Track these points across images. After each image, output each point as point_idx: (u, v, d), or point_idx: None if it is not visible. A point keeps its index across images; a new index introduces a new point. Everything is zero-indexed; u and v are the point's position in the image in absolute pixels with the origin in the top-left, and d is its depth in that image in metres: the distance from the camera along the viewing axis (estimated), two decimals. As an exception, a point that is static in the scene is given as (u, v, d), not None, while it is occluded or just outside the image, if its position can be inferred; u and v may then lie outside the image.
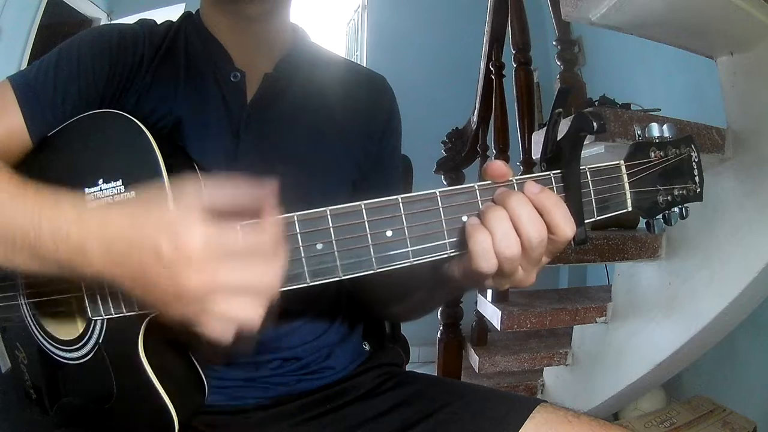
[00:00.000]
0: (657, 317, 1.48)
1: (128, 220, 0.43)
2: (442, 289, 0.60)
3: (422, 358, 2.65)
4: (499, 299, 1.61)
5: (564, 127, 0.49)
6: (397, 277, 0.48)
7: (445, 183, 2.00)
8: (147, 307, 0.49)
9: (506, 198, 0.46)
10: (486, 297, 1.66)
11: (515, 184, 0.48)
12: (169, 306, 0.42)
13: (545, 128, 0.52)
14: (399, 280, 0.61)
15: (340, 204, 0.47)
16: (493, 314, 1.60)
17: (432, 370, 1.98)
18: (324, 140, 0.71)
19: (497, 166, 0.48)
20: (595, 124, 0.46)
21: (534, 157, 1.54)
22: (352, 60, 0.90)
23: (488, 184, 0.48)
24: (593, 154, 1.21)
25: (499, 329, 1.59)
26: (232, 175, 0.43)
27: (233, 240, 0.41)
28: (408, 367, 0.86)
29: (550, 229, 0.46)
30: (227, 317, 0.41)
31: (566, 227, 0.46)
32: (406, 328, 0.94)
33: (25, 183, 0.50)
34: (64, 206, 0.46)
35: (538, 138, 1.51)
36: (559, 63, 1.65)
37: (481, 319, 1.80)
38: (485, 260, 0.45)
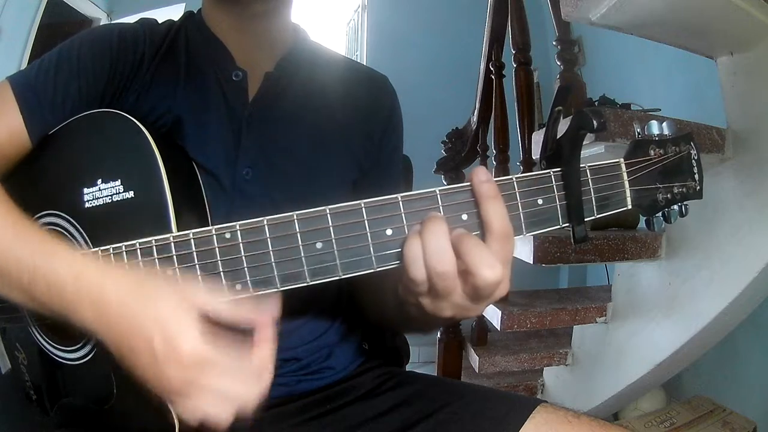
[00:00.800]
0: (657, 317, 1.48)
1: (125, 302, 0.44)
2: (405, 311, 0.55)
3: (422, 358, 2.65)
4: (499, 299, 1.61)
5: (564, 125, 0.49)
6: (376, 287, 0.48)
7: (445, 183, 2.00)
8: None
9: (426, 222, 0.44)
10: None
11: (515, 183, 0.47)
12: (147, 377, 0.45)
13: (545, 127, 0.52)
14: (378, 291, 0.62)
15: (340, 201, 0.47)
16: (493, 314, 1.60)
17: (432, 370, 1.98)
18: (325, 139, 0.71)
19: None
20: (595, 122, 0.46)
21: (534, 157, 1.53)
22: (353, 59, 0.90)
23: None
24: (593, 154, 1.21)
25: (499, 329, 1.59)
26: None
27: (223, 357, 0.43)
28: (408, 367, 0.86)
29: (468, 272, 0.43)
30: (197, 410, 0.44)
31: (485, 269, 0.43)
32: (407, 328, 0.94)
33: (21, 222, 0.51)
34: (59, 262, 0.47)
35: (538, 138, 1.51)
36: (559, 63, 1.64)
37: (481, 319, 1.80)
38: (415, 269, 0.44)
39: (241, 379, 0.44)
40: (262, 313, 0.45)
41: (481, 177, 0.45)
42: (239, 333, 0.45)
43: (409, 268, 0.45)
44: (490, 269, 0.43)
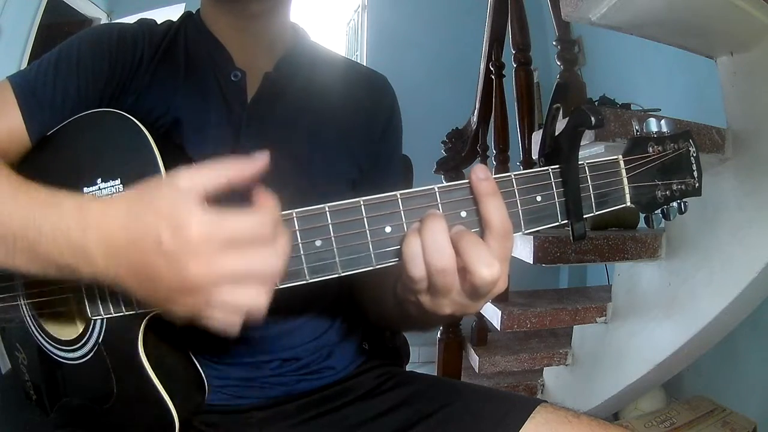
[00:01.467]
0: (657, 317, 1.48)
1: (125, 212, 0.42)
2: (404, 309, 0.56)
3: (422, 358, 2.65)
4: (499, 299, 1.61)
5: (563, 123, 0.49)
6: (376, 286, 0.48)
7: (444, 183, 2.00)
8: (150, 306, 0.48)
9: (425, 220, 0.44)
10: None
11: (514, 180, 0.47)
12: (173, 301, 0.42)
13: (544, 124, 0.52)
14: (377, 289, 0.62)
15: (340, 200, 0.47)
16: (493, 314, 1.59)
17: (432, 370, 1.98)
18: (324, 139, 0.71)
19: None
20: (593, 118, 0.46)
21: (534, 157, 1.53)
22: (353, 59, 0.90)
23: None
24: (593, 153, 1.21)
25: (499, 329, 1.59)
26: (230, 156, 0.43)
27: (233, 225, 0.40)
28: (408, 367, 0.86)
29: (466, 270, 0.43)
30: (232, 307, 0.41)
31: (482, 268, 0.42)
32: (406, 328, 0.94)
33: (25, 181, 0.49)
34: (63, 205, 0.45)
35: (538, 138, 1.51)
36: (559, 63, 1.64)
37: (481, 319, 1.80)
38: (414, 266, 0.44)
39: (262, 247, 0.41)
40: (250, 163, 0.43)
41: (480, 174, 0.45)
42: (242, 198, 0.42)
43: (408, 266, 0.44)
44: (488, 267, 0.42)
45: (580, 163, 0.48)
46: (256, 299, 0.41)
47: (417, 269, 0.44)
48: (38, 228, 0.44)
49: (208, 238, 0.39)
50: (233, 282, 0.40)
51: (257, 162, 0.43)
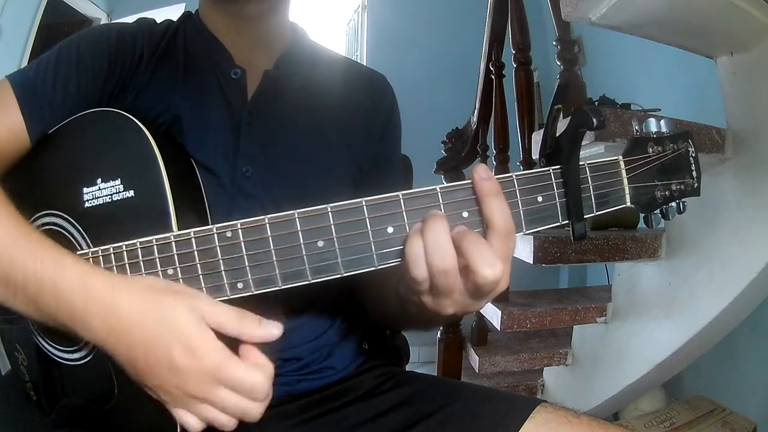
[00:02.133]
0: (657, 317, 1.48)
1: (137, 313, 0.45)
2: (407, 309, 0.56)
3: (422, 358, 2.65)
4: (499, 299, 1.61)
5: (564, 124, 0.49)
6: (379, 286, 0.49)
7: (445, 183, 1.99)
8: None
9: (426, 220, 0.44)
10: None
11: (515, 180, 0.47)
12: (161, 390, 0.46)
13: (545, 125, 0.52)
14: (380, 289, 0.62)
15: (340, 199, 0.47)
16: (493, 314, 1.59)
17: (432, 370, 1.98)
18: (324, 137, 0.71)
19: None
20: (594, 120, 0.46)
21: (534, 157, 1.53)
22: (353, 59, 0.90)
23: None
24: (593, 153, 1.21)
25: (499, 329, 1.59)
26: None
27: (239, 372, 0.45)
28: (408, 367, 0.86)
29: (468, 268, 0.43)
30: (208, 416, 0.46)
31: (485, 267, 0.43)
32: (407, 328, 0.94)
33: (25, 224, 0.50)
34: (67, 271, 0.46)
35: (538, 138, 1.51)
36: (559, 63, 1.64)
37: (481, 319, 1.80)
38: (416, 267, 0.45)
39: (250, 400, 0.46)
40: (264, 330, 0.47)
41: (482, 174, 0.45)
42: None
43: (410, 267, 0.45)
44: (491, 267, 0.43)
45: (580, 163, 0.49)
46: (227, 422, 0.47)
47: (419, 270, 0.44)
48: (39, 284, 0.46)
49: (216, 372, 0.44)
50: (221, 409, 0.46)
51: (271, 332, 0.47)
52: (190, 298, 0.46)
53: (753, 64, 1.28)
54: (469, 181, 0.47)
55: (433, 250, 0.43)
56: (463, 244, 0.43)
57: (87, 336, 0.46)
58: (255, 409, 0.46)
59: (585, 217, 0.49)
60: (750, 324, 1.44)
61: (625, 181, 0.50)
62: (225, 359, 0.45)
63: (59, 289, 0.46)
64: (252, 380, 0.45)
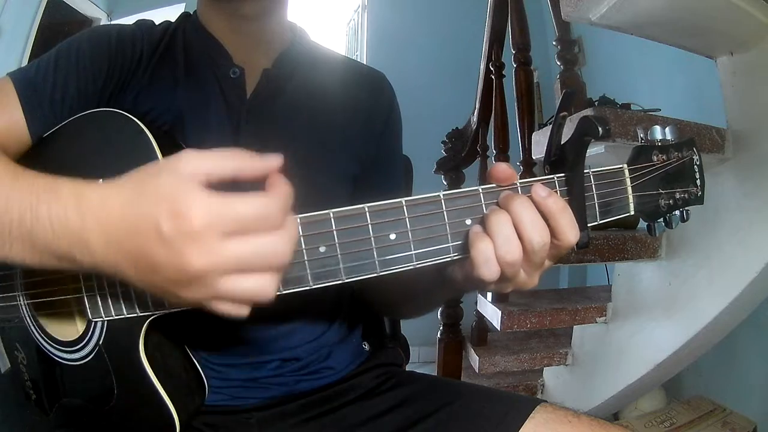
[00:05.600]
0: (657, 317, 1.48)
1: (125, 197, 0.40)
2: (444, 291, 0.60)
3: (422, 358, 2.65)
4: (499, 299, 1.61)
5: (568, 130, 0.49)
6: (400, 278, 0.48)
7: (445, 183, 2.00)
8: (150, 296, 0.46)
9: (510, 201, 0.45)
10: (486, 297, 1.66)
11: (519, 188, 0.47)
12: (175, 291, 0.40)
13: (546, 129, 0.52)
14: (402, 281, 0.61)
15: (341, 198, 0.47)
16: (493, 314, 1.60)
17: (432, 370, 1.98)
18: (324, 134, 0.71)
19: (501, 169, 0.48)
20: (600, 129, 0.46)
21: (534, 157, 1.53)
22: (352, 58, 0.90)
23: (492, 187, 0.48)
24: (593, 153, 1.21)
25: (499, 329, 1.59)
26: (235, 147, 0.40)
27: (237, 209, 0.37)
28: (408, 367, 0.86)
29: (553, 235, 0.46)
30: (239, 297, 0.39)
31: (570, 233, 0.46)
32: (406, 328, 0.94)
33: (24, 169, 0.48)
34: (61, 190, 0.43)
35: (538, 138, 1.51)
36: (559, 63, 1.64)
37: (481, 319, 1.80)
38: (487, 268, 0.45)
39: (269, 233, 0.38)
40: (264, 159, 0.41)
41: (542, 194, 0.46)
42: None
43: (481, 269, 0.45)
44: (574, 232, 0.46)
45: (585, 171, 0.49)
46: (263, 288, 0.39)
47: (493, 270, 0.45)
48: (35, 214, 0.42)
49: (210, 224, 0.37)
50: (238, 270, 0.38)
51: (271, 162, 0.41)
52: (173, 160, 0.40)
53: (753, 64, 1.28)
54: (474, 188, 0.47)
55: (501, 245, 0.44)
56: (550, 219, 0.46)
57: (87, 260, 0.41)
58: (275, 247, 0.38)
59: (588, 225, 0.49)
60: (750, 324, 1.44)
61: (629, 189, 0.51)
62: (218, 204, 0.37)
63: (54, 213, 0.42)
64: (258, 208, 0.38)
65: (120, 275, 0.41)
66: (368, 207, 0.45)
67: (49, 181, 0.44)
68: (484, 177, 1.86)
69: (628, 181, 0.50)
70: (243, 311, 0.41)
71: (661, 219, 0.53)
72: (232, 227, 0.37)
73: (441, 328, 1.87)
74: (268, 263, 0.39)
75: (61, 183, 0.44)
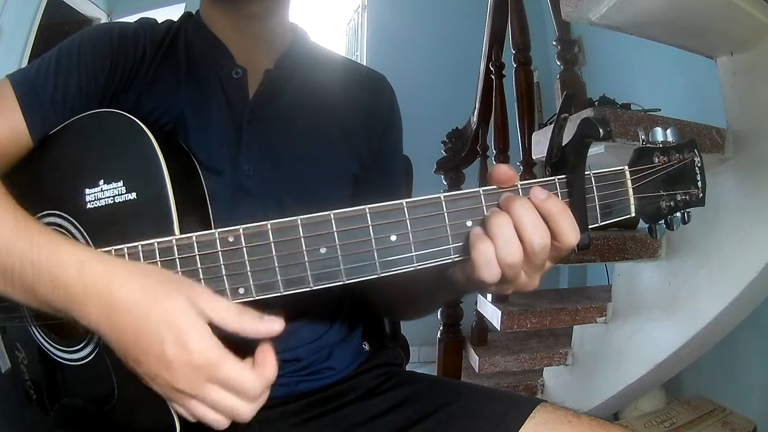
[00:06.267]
0: (657, 317, 1.48)
1: (134, 302, 0.44)
2: (445, 292, 0.60)
3: (422, 358, 2.65)
4: (499, 299, 1.61)
5: (569, 130, 0.49)
6: (401, 279, 0.48)
7: (445, 183, 2.00)
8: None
9: (510, 203, 0.45)
10: (486, 297, 1.66)
11: (520, 189, 0.47)
12: (153, 381, 0.45)
13: (546, 129, 0.52)
14: (403, 282, 0.61)
15: (342, 198, 0.47)
16: (493, 314, 1.60)
17: (432, 370, 1.98)
18: (325, 135, 0.72)
19: (503, 170, 0.48)
20: (601, 130, 0.46)
21: (534, 157, 1.53)
22: (352, 59, 0.90)
23: (493, 188, 0.48)
24: (593, 153, 1.20)
25: (499, 329, 1.59)
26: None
27: (231, 372, 0.44)
28: (408, 367, 0.86)
29: (554, 236, 0.46)
30: (199, 413, 0.45)
31: (570, 235, 0.46)
32: (406, 328, 0.94)
33: (23, 215, 0.50)
34: (64, 255, 0.46)
35: (538, 138, 1.51)
36: (559, 63, 1.64)
37: (481, 319, 1.80)
38: (488, 270, 0.45)
39: (243, 399, 0.45)
40: (266, 325, 0.46)
41: (540, 196, 0.46)
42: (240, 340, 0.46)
43: (481, 271, 0.45)
44: (575, 234, 0.46)
45: (586, 173, 0.49)
46: (219, 420, 0.46)
47: (491, 272, 0.45)
48: (37, 270, 0.46)
49: (204, 366, 0.43)
50: (205, 404, 0.45)
51: (273, 327, 0.46)
52: (190, 289, 0.45)
53: (753, 64, 1.28)
54: (475, 189, 0.47)
55: (502, 246, 0.44)
56: (549, 216, 0.46)
57: (83, 321, 0.46)
58: (245, 409, 0.45)
59: (589, 227, 0.49)
60: (750, 324, 1.44)
61: (631, 191, 0.50)
62: (217, 356, 0.44)
63: (56, 275, 0.45)
64: (244, 380, 0.44)
65: (109, 343, 0.46)
66: (369, 208, 0.45)
67: (49, 239, 0.47)
68: (484, 177, 1.87)
69: (629, 182, 0.50)
70: (189, 418, 0.47)
71: (663, 221, 0.52)
72: (219, 381, 0.44)
73: (441, 328, 1.87)
74: (232, 415, 0.46)
75: (62, 246, 0.47)
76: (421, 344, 2.33)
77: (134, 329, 0.44)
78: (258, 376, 0.45)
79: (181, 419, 0.55)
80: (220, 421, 0.46)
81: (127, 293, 0.44)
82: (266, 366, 0.45)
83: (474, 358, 1.78)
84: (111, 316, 0.44)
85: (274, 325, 0.46)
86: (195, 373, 0.43)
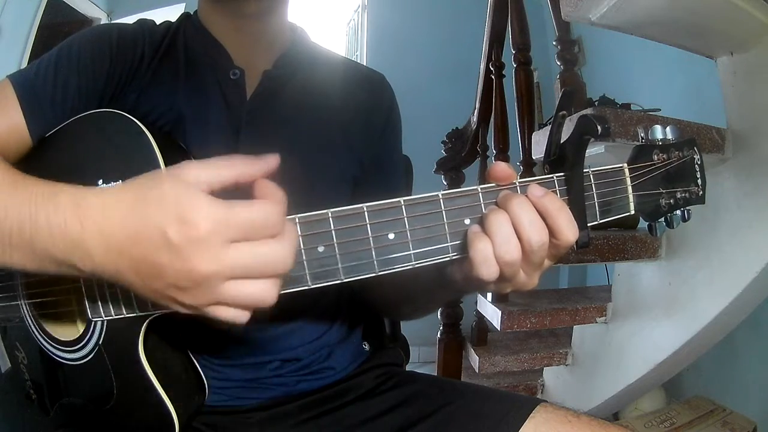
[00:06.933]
0: (657, 317, 1.48)
1: (128, 205, 0.40)
2: (444, 291, 0.60)
3: (422, 358, 2.65)
4: (499, 299, 1.61)
5: (567, 129, 0.49)
6: (400, 278, 0.48)
7: (445, 183, 2.00)
8: (153, 301, 0.45)
9: (508, 201, 0.45)
10: (486, 297, 1.66)
11: (518, 187, 0.47)
12: (177, 296, 0.40)
13: (546, 129, 0.52)
14: (401, 281, 0.61)
15: (341, 198, 0.47)
16: (493, 314, 1.60)
17: (432, 370, 1.98)
18: (324, 136, 0.71)
19: (501, 168, 0.47)
20: (599, 127, 0.46)
21: (534, 157, 1.53)
22: (351, 59, 0.90)
23: (491, 186, 0.48)
24: (593, 153, 1.21)
25: (499, 329, 1.59)
26: (231, 154, 0.41)
27: (243, 216, 0.38)
28: (408, 367, 0.86)
29: (552, 234, 0.45)
30: (241, 301, 0.40)
31: (569, 232, 0.45)
32: (406, 328, 0.94)
33: (23, 175, 0.48)
34: (60, 197, 0.43)
35: (538, 138, 1.51)
36: (559, 63, 1.64)
37: (481, 319, 1.80)
38: (486, 268, 0.45)
39: (272, 239, 0.39)
40: (261, 162, 0.42)
41: (537, 193, 0.46)
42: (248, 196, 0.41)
43: (480, 269, 0.45)
44: (572, 230, 0.46)
45: (584, 171, 0.48)
46: (264, 293, 0.40)
47: (489, 270, 0.45)
48: (34, 221, 0.43)
49: (216, 231, 0.38)
50: (242, 275, 0.39)
51: (267, 163, 0.42)
52: (175, 169, 0.41)
53: (753, 64, 1.28)
54: (473, 187, 0.47)
55: (500, 244, 0.44)
56: (547, 216, 0.45)
57: (87, 266, 0.42)
58: (284, 248, 0.40)
59: (588, 225, 0.48)
60: (750, 324, 1.44)
61: (630, 188, 0.50)
62: (223, 210, 0.38)
63: (53, 219, 0.42)
64: (262, 214, 0.39)
65: (120, 280, 0.42)
66: (367, 207, 0.45)
67: (48, 188, 0.44)
68: (483, 177, 1.86)
69: (629, 180, 0.50)
70: (243, 317, 0.41)
71: (662, 219, 0.52)
72: (236, 234, 0.38)
73: (441, 328, 1.87)
74: (271, 269, 0.40)
75: (60, 190, 0.44)
76: (421, 344, 2.32)
77: (137, 239, 0.39)
78: (270, 204, 0.40)
79: (180, 418, 0.55)
80: (267, 288, 0.40)
81: (119, 205, 0.40)
82: (272, 194, 0.41)
83: (474, 358, 1.78)
84: (110, 240, 0.40)
85: (269, 160, 0.42)
86: (209, 243, 0.38)
